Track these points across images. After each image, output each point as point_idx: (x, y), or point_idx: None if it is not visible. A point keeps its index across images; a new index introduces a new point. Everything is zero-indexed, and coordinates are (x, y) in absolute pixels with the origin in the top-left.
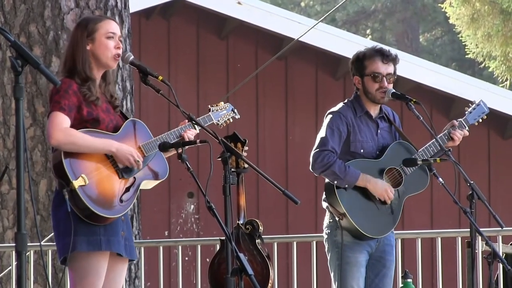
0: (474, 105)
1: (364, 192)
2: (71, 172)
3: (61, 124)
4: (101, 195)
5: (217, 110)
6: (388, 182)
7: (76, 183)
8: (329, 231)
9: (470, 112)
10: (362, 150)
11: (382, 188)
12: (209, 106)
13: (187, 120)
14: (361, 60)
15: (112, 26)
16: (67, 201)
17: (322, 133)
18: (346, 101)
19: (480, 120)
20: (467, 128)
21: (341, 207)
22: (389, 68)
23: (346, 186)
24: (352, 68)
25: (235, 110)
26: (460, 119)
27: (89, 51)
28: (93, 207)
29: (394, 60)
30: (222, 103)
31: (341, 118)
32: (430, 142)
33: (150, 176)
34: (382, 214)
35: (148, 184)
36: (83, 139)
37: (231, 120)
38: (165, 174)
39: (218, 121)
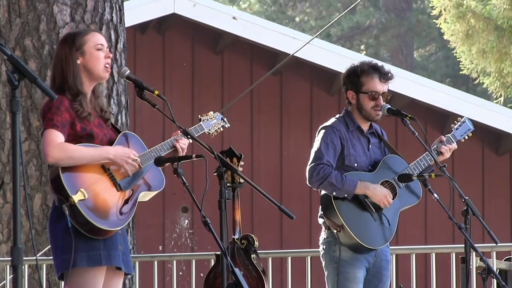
0: (460, 122)
1: (360, 204)
2: (70, 186)
3: (55, 141)
4: (101, 209)
5: (207, 119)
6: None
7: (76, 198)
8: (326, 247)
9: (457, 129)
10: (356, 164)
11: (381, 193)
12: (199, 116)
13: (179, 131)
14: (358, 75)
15: (99, 38)
16: (67, 216)
17: (316, 147)
18: (337, 116)
19: (466, 137)
20: (455, 143)
21: (339, 218)
22: (385, 86)
23: (346, 195)
24: (347, 82)
25: (225, 119)
26: (448, 135)
27: (80, 65)
28: (95, 220)
29: (390, 78)
30: (212, 112)
31: (334, 132)
32: (422, 156)
33: (147, 188)
34: (379, 225)
35: (146, 196)
36: (79, 151)
37: (221, 129)
38: (162, 185)
39: (210, 130)
